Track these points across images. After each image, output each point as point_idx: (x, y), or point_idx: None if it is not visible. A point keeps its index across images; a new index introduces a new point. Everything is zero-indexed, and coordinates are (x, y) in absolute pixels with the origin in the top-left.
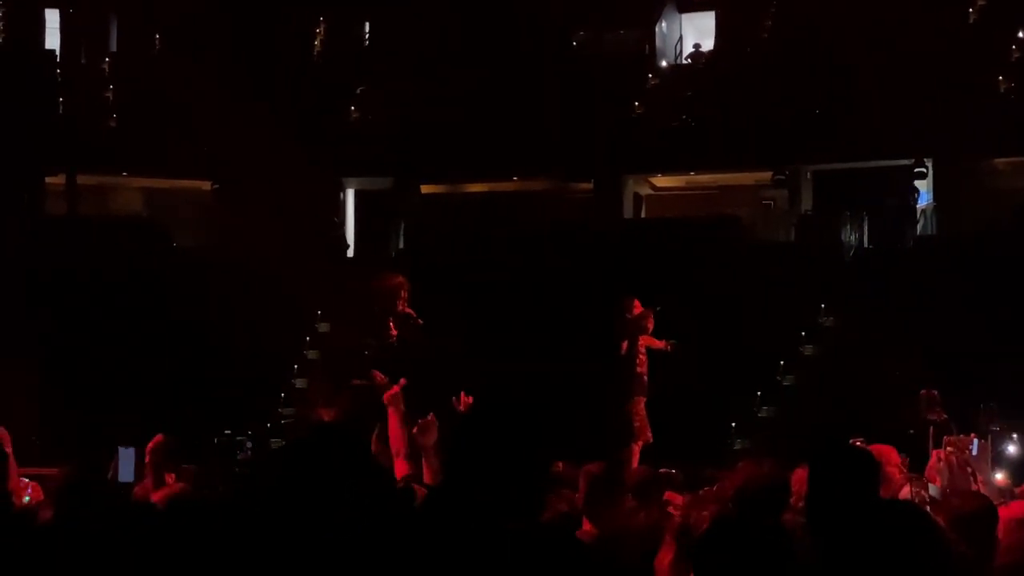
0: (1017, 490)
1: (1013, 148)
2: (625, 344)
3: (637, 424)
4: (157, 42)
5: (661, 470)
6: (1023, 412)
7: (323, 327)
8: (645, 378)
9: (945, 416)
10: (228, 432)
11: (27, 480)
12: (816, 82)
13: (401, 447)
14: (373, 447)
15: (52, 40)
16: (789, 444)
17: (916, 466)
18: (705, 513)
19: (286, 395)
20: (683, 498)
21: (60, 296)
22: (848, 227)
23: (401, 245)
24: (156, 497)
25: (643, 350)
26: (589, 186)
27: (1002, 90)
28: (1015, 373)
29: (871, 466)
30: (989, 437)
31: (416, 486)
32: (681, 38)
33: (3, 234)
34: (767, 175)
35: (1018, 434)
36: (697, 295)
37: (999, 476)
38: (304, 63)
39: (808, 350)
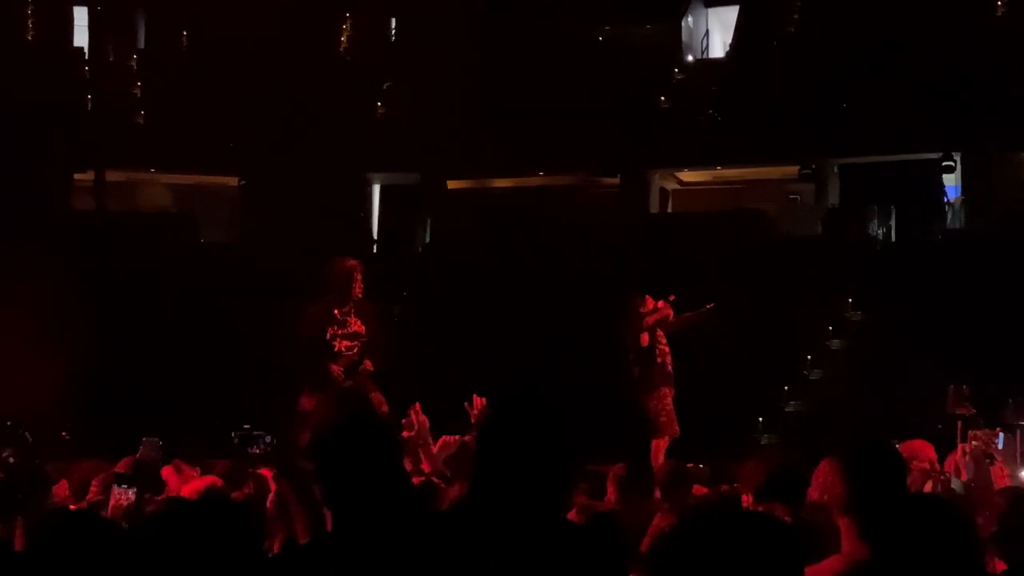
0: None
1: None
2: (645, 337)
3: (663, 419)
4: (184, 39)
5: (688, 464)
6: None
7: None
8: (669, 368)
9: (973, 410)
10: (247, 427)
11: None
12: (842, 75)
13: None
14: None
15: (80, 37)
16: (816, 438)
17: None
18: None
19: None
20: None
21: (88, 292)
22: (875, 221)
23: (427, 240)
24: (185, 491)
25: (664, 340)
26: (615, 181)
27: None
28: None
29: (899, 461)
30: (1017, 431)
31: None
32: (707, 32)
33: (32, 231)
34: (793, 169)
35: None
36: (724, 290)
37: None
38: (332, 58)
39: (835, 344)
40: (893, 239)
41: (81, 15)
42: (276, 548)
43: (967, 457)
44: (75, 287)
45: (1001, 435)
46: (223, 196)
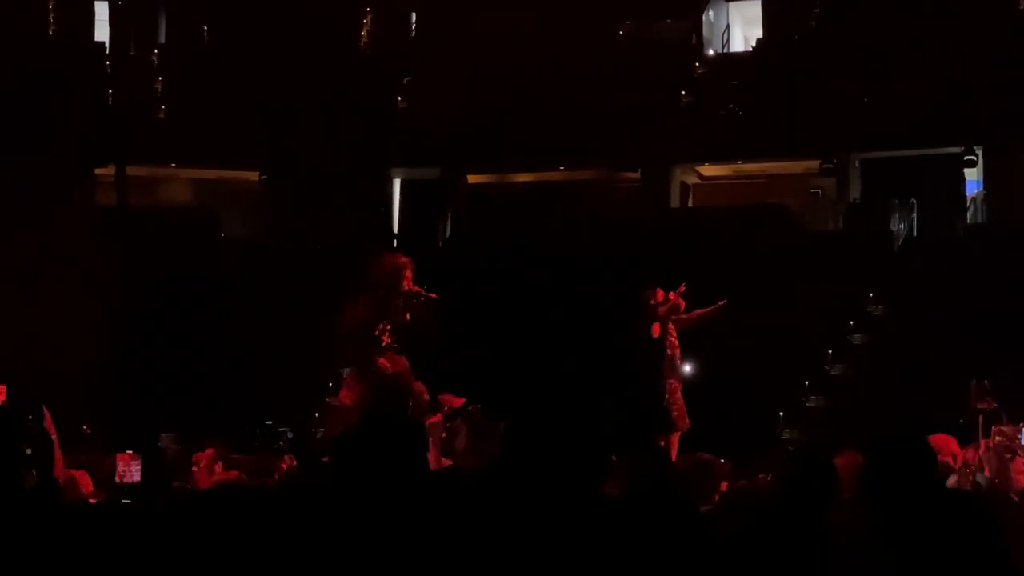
0: None
1: None
2: (656, 327)
3: (675, 413)
4: (205, 34)
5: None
6: None
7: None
8: (678, 360)
9: (995, 405)
10: (269, 423)
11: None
12: (864, 69)
13: None
14: None
15: (101, 32)
16: (837, 434)
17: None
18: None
19: (334, 383)
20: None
21: (109, 287)
22: (897, 215)
23: (447, 235)
24: (206, 485)
25: (674, 333)
26: (636, 176)
27: None
28: None
29: (930, 454)
30: None
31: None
32: (728, 27)
33: (54, 226)
34: (815, 163)
35: None
36: (745, 285)
37: None
38: (352, 53)
39: (857, 339)
40: (914, 234)
41: (102, 10)
42: None
43: (990, 452)
44: (96, 282)
45: None
46: (244, 191)
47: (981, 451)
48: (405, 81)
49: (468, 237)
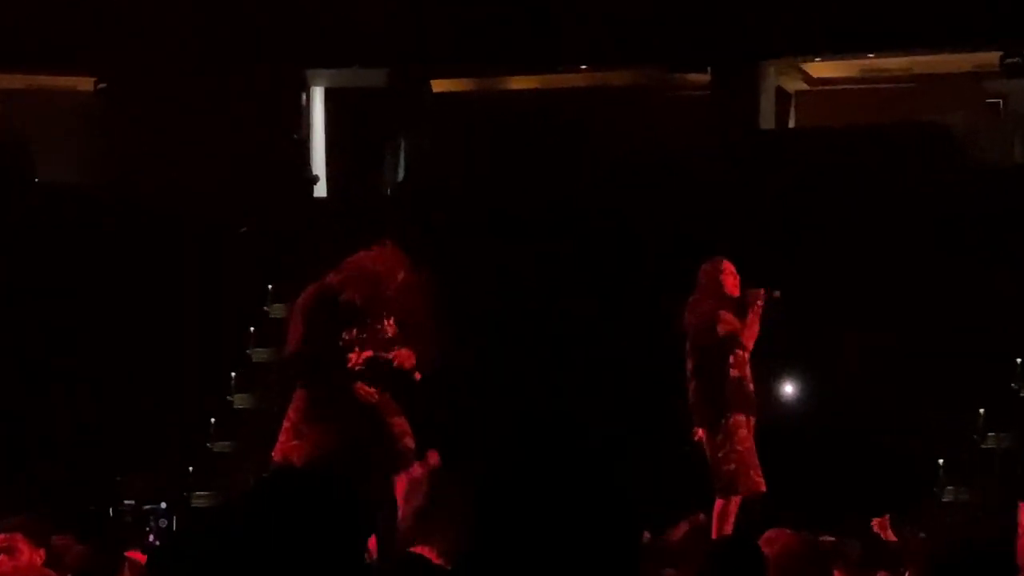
0: None
1: None
2: (725, 325)
3: (732, 466)
4: None
5: (823, 538)
6: None
7: (277, 310)
8: (749, 385)
9: None
10: (130, 502)
11: None
12: None
13: None
14: None
15: None
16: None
17: None
18: None
19: (219, 421)
20: None
21: None
22: None
23: (401, 177)
24: None
25: (748, 341)
26: (704, 78)
27: None
28: None
29: None
30: None
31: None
32: None
33: None
34: (994, 57)
35: None
36: (881, 254)
37: None
38: None
39: None
40: None
41: None
42: None
43: None
44: None
45: None
46: (73, 110)
47: None
48: None
49: (433, 180)
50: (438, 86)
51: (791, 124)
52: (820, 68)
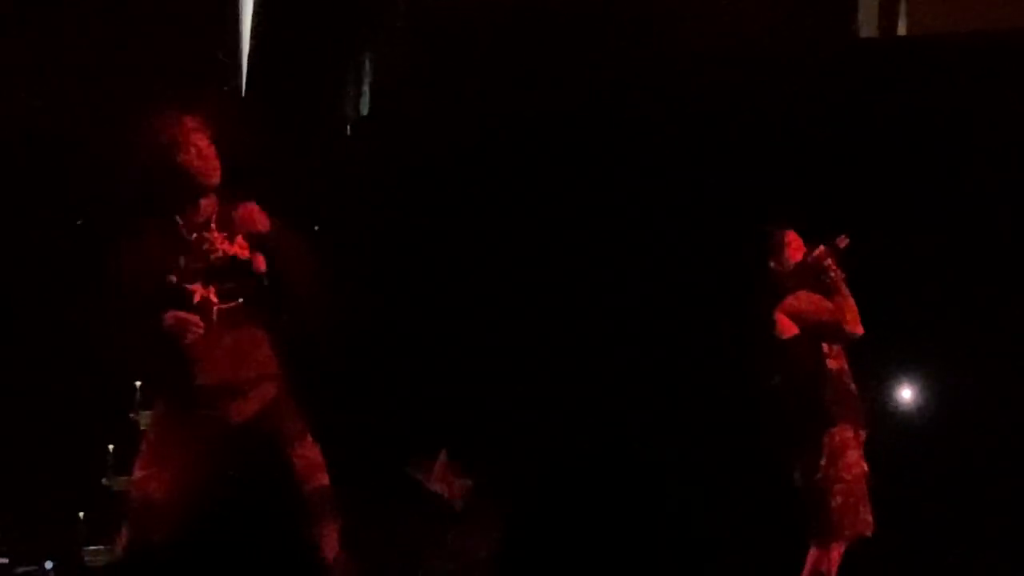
0: None
1: None
2: (783, 320)
3: (838, 499)
4: None
5: None
6: None
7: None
8: (850, 385)
9: None
10: (2, 561)
11: None
12: None
13: None
14: None
15: None
16: None
17: None
18: None
19: (119, 448)
20: None
21: None
22: None
23: (366, 109)
24: None
25: (833, 326)
26: None
27: None
28: None
29: None
30: None
31: None
32: None
33: None
34: None
35: None
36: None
37: None
38: None
39: None
40: None
41: None
42: None
43: None
44: None
45: None
46: None
47: None
48: None
49: (412, 117)
50: None
51: (902, 30)
52: None
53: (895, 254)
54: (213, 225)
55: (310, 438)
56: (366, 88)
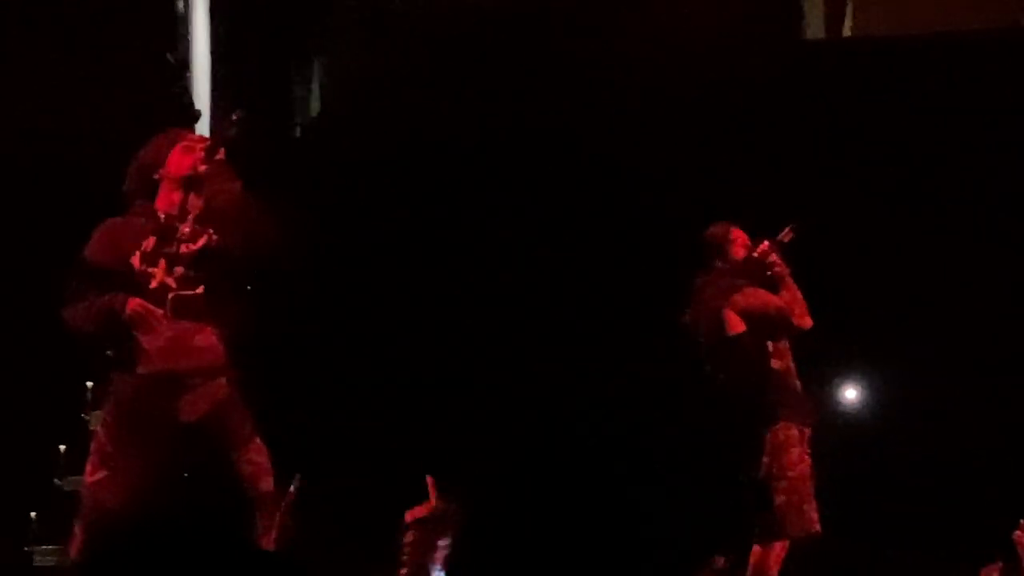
0: None
1: None
2: (732, 317)
3: (783, 497)
4: None
5: None
6: None
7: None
8: (795, 382)
9: None
10: None
11: None
12: None
13: None
14: None
15: None
16: None
17: None
18: None
19: (71, 448)
20: None
21: None
22: None
23: (315, 111)
24: None
25: (782, 320)
26: None
27: None
28: None
29: None
30: None
31: None
32: None
33: None
34: None
35: None
36: (968, 207)
37: None
38: None
39: None
40: None
41: None
42: None
43: None
44: None
45: None
46: None
47: None
48: None
49: (362, 116)
50: None
51: (847, 32)
52: None
53: (840, 250)
54: (190, 218)
55: (259, 441)
56: (316, 89)
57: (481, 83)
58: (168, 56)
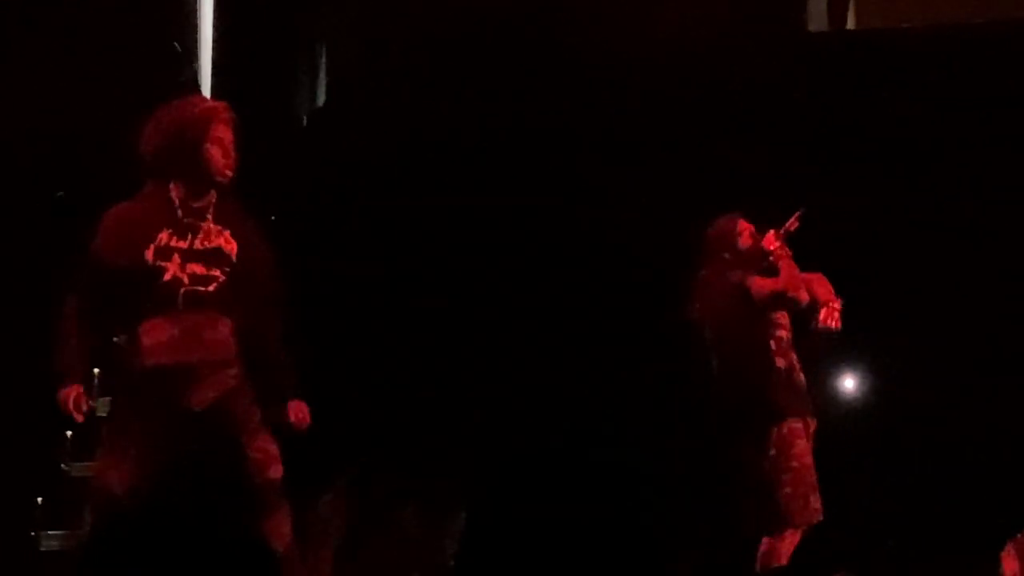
0: None
1: None
2: (756, 283)
3: (787, 489)
4: None
5: None
6: None
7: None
8: (798, 375)
9: None
10: None
11: None
12: None
13: None
14: None
15: None
16: None
17: None
18: None
19: (77, 434)
20: None
21: None
22: None
23: (321, 100)
24: None
25: (784, 321)
26: None
27: None
28: None
29: None
30: None
31: None
32: None
33: None
34: None
35: None
36: (971, 200)
37: None
38: None
39: None
40: None
41: None
42: None
43: None
44: None
45: None
46: None
47: None
48: None
49: (368, 107)
50: None
51: (850, 25)
52: None
53: (843, 242)
54: (210, 216)
55: (268, 431)
56: (323, 80)
57: (484, 73)
58: (175, 45)
